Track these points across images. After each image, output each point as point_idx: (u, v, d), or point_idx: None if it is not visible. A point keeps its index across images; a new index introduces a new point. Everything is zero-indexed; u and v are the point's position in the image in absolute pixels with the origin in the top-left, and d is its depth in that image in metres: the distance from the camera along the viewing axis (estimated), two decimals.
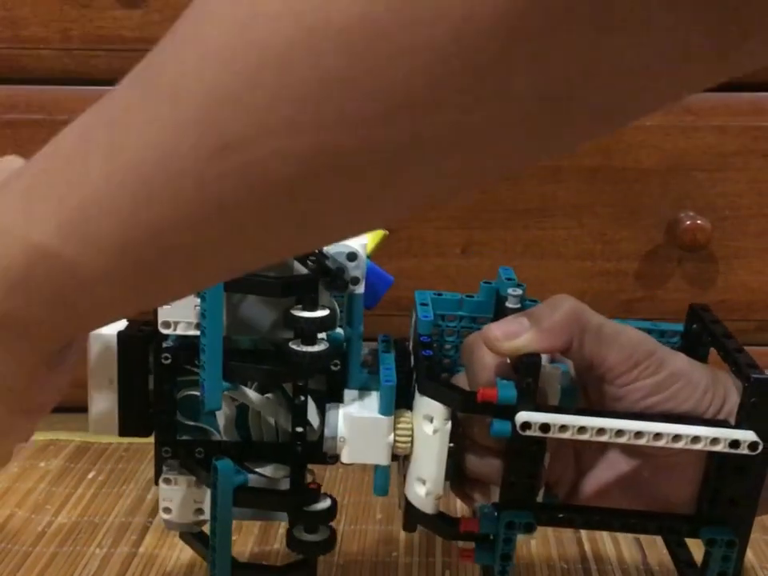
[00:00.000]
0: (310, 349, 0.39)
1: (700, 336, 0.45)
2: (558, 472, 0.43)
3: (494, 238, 0.73)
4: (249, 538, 0.63)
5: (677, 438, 0.37)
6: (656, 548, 0.62)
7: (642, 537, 0.63)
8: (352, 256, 0.41)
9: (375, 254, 0.45)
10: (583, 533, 0.63)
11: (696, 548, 0.43)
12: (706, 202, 0.72)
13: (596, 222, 0.73)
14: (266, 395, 0.43)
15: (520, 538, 0.40)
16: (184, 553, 0.61)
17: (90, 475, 0.70)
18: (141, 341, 0.43)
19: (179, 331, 0.41)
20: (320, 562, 0.61)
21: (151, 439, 0.45)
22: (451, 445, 0.41)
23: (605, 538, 0.63)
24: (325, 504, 0.44)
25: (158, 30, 0.70)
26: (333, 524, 0.45)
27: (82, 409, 0.46)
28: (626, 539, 0.63)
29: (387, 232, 0.45)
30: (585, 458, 0.43)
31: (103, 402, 0.44)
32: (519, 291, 0.43)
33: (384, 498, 0.67)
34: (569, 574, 0.60)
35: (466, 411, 0.40)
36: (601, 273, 0.74)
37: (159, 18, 0.69)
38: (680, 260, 0.73)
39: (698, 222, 0.70)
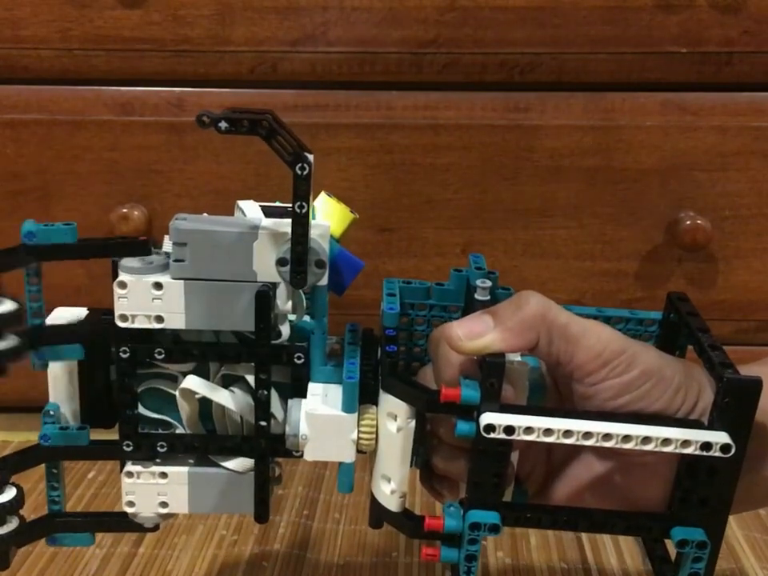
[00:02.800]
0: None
1: (678, 326, 0.43)
2: (529, 468, 0.42)
3: (494, 237, 0.73)
4: (249, 538, 0.63)
5: (646, 440, 0.36)
6: None
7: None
8: (320, 263, 0.39)
9: (345, 240, 0.43)
10: (583, 534, 0.63)
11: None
12: (706, 202, 0.72)
13: (596, 222, 0.73)
14: (230, 388, 0.42)
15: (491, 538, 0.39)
16: (184, 553, 0.61)
17: (90, 475, 0.70)
18: (102, 330, 0.42)
19: (137, 324, 0.39)
20: (320, 563, 0.61)
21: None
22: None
23: (606, 540, 0.63)
24: (8, 495, 0.42)
25: (157, 30, 0.70)
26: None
27: None
28: (626, 541, 0.63)
29: (357, 216, 0.43)
30: (556, 454, 0.42)
31: (64, 393, 0.43)
32: (488, 283, 0.41)
33: None
34: (569, 574, 0.60)
35: (430, 411, 0.39)
36: (601, 273, 0.74)
37: (159, 18, 0.69)
38: (680, 260, 0.73)
39: (698, 222, 0.70)
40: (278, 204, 0.43)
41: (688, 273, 0.74)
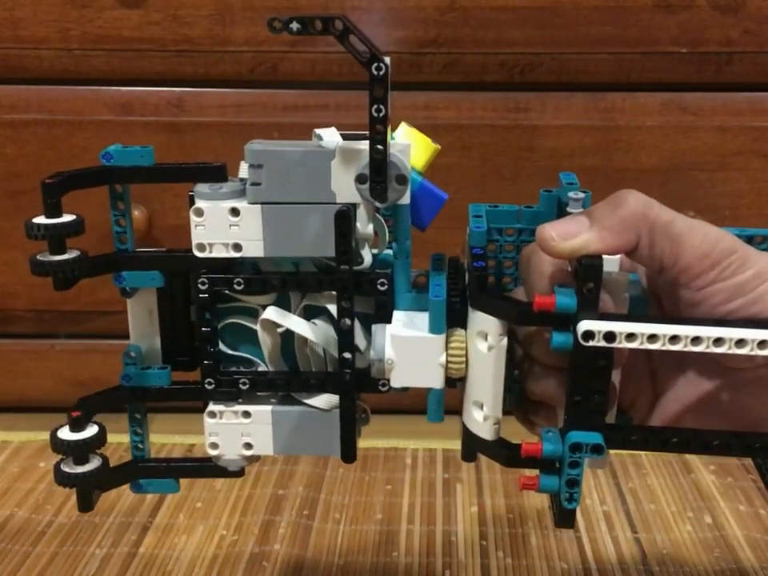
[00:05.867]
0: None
1: None
2: (632, 394, 0.39)
3: None
4: (249, 538, 0.63)
5: (763, 344, 0.32)
6: (656, 548, 0.62)
7: (642, 536, 0.63)
8: (401, 179, 0.37)
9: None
10: (583, 532, 0.63)
11: None
12: (706, 202, 0.72)
13: None
14: (312, 321, 0.40)
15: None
16: (184, 553, 0.61)
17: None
18: (180, 259, 0.41)
19: (214, 254, 0.38)
20: (320, 563, 0.61)
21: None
22: (516, 372, 0.38)
23: (606, 540, 0.63)
24: (90, 432, 0.41)
25: (157, 30, 0.70)
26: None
27: None
28: (626, 541, 0.63)
29: (439, 147, 0.41)
30: (660, 377, 0.38)
31: (145, 333, 0.42)
32: (581, 195, 0.38)
33: (382, 505, 0.67)
34: (569, 574, 0.60)
35: (522, 323, 0.36)
36: None
37: (159, 18, 0.69)
38: None
39: None
40: (356, 132, 0.41)
41: None
